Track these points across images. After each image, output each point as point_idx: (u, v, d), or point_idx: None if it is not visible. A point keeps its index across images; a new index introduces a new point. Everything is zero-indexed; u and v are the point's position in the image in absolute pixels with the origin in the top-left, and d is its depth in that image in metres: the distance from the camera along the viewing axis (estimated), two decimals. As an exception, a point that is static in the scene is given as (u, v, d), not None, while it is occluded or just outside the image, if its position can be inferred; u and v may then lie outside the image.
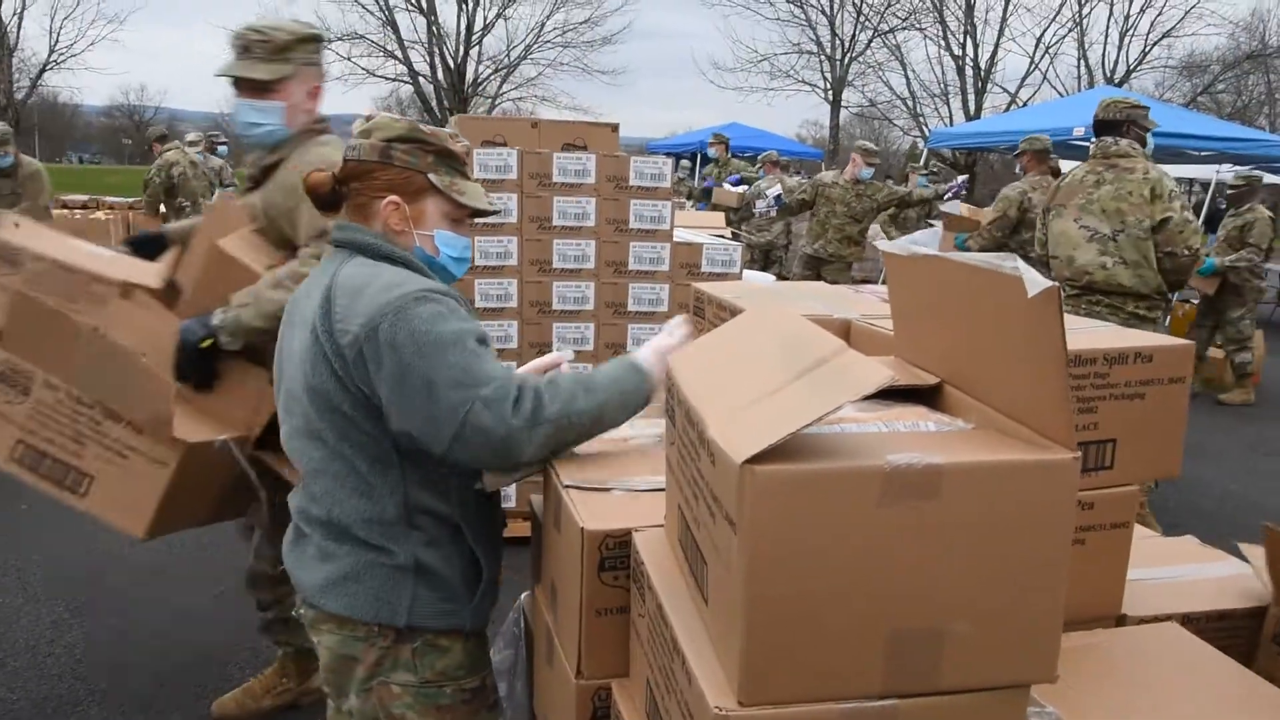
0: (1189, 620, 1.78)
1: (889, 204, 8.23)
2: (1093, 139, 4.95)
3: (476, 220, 1.95)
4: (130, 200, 10.86)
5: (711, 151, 12.09)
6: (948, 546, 1.02)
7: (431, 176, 1.78)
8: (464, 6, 29.29)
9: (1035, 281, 0.96)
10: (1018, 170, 7.23)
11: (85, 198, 11.13)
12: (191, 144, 10.17)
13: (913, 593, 1.03)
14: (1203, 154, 12.08)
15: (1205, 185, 18.15)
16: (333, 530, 1.76)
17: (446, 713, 1.80)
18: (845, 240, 7.94)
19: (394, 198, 1.77)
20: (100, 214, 9.19)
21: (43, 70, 35.42)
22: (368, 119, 1.81)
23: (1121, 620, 1.75)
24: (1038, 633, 1.07)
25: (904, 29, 29.79)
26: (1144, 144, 4.81)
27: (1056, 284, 0.96)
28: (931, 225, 9.45)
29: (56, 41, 35.37)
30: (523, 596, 2.26)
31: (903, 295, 1.40)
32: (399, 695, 1.77)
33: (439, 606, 1.76)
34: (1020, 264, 0.99)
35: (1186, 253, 4.60)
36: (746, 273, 4.92)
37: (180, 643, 3.61)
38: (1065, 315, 1.91)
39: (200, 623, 3.77)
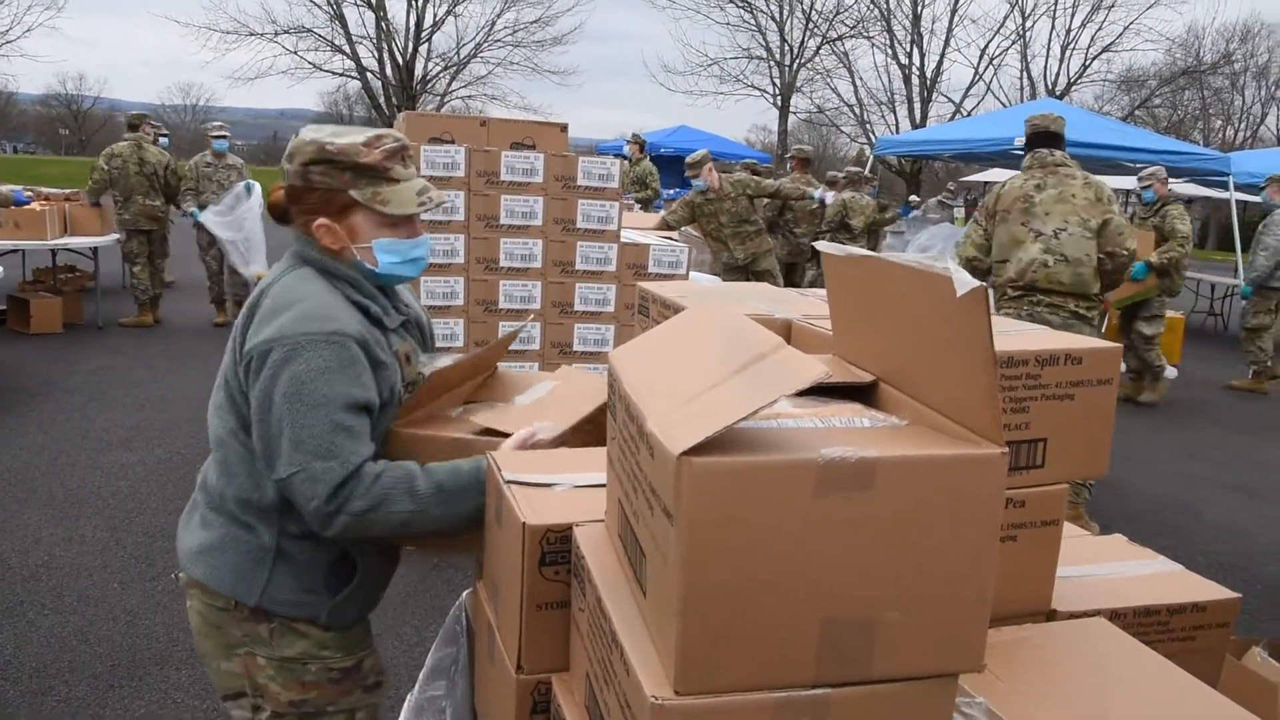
0: (1116, 616, 1.83)
1: (762, 194, 8.32)
2: (1027, 151, 5.18)
3: (424, 217, 1.97)
4: (66, 191, 10.58)
5: (626, 150, 12.36)
6: (880, 538, 1.04)
7: (353, 192, 1.79)
8: (413, 3, 29.09)
9: (964, 282, 0.99)
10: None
11: (20, 188, 10.84)
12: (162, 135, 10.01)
13: (846, 583, 1.05)
14: (1138, 166, 12.38)
15: (1140, 196, 18.52)
16: (215, 500, 1.86)
17: (311, 689, 1.88)
18: (747, 239, 8.12)
19: (322, 220, 1.81)
20: (36, 205, 8.94)
21: (-24, 57, 34.53)
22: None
23: (1051, 615, 1.79)
24: (966, 623, 1.10)
25: (852, 37, 30.21)
26: None
27: (984, 285, 0.98)
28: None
29: (-9, 28, 34.52)
30: (464, 594, 2.26)
31: (840, 295, 1.43)
32: (263, 667, 1.86)
33: (295, 595, 1.83)
34: (951, 264, 1.02)
35: (1125, 252, 4.91)
36: (692, 274, 4.95)
37: (116, 643, 3.55)
38: (1003, 318, 1.95)
39: (137, 622, 3.71)
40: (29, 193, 9.03)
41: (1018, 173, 5.16)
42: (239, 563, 1.82)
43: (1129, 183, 16.52)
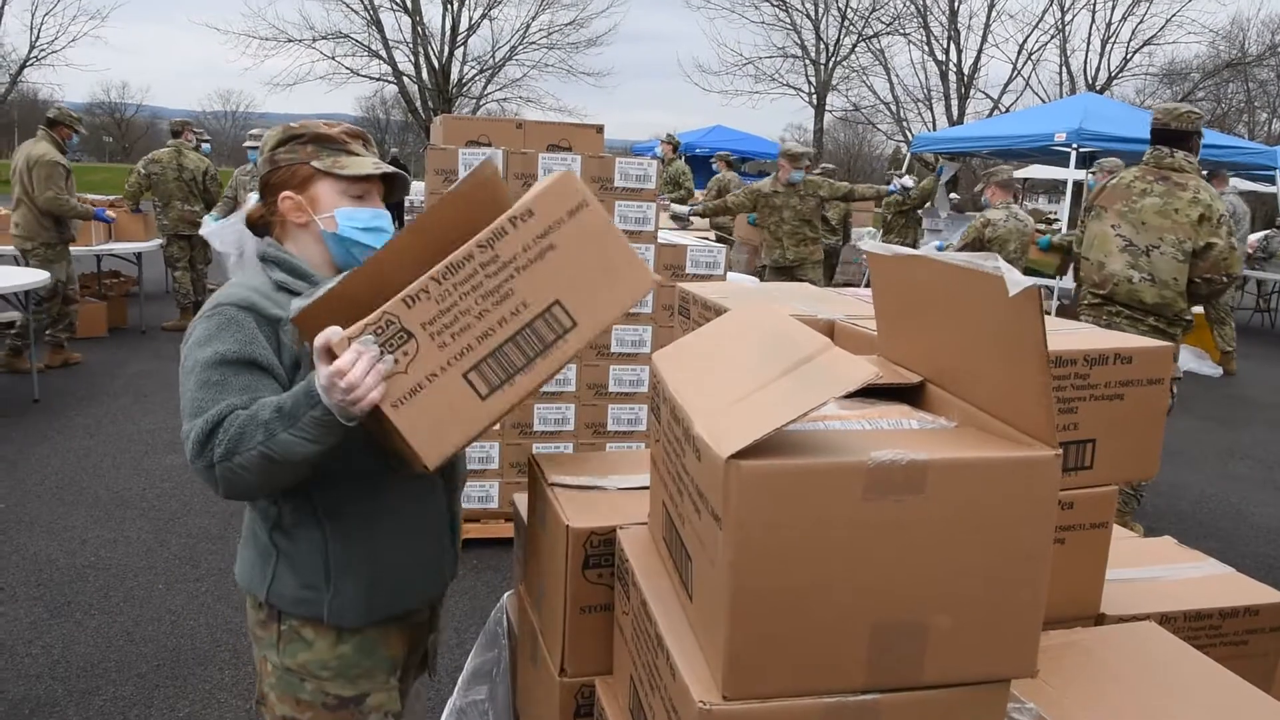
0: (1166, 619, 1.80)
1: (835, 198, 8.16)
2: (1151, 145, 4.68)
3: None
4: (111, 198, 10.74)
5: (658, 151, 12.34)
6: (931, 541, 1.03)
7: (314, 163, 1.85)
8: (449, 6, 29.25)
9: (1016, 281, 0.98)
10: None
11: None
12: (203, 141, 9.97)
13: (896, 587, 1.04)
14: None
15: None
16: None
17: (305, 709, 1.83)
18: (803, 242, 7.94)
19: (286, 193, 1.84)
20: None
21: (23, 66, 35.20)
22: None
23: (1100, 619, 1.76)
24: (1018, 627, 1.08)
25: (888, 34, 29.99)
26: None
27: (1036, 282, 0.97)
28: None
29: (37, 38, 35.21)
30: (505, 596, 2.26)
31: (886, 295, 1.41)
32: (270, 673, 1.86)
33: (297, 592, 1.80)
34: (1002, 263, 1.00)
35: (1224, 280, 4.49)
36: (730, 274, 4.93)
37: (161, 643, 3.59)
38: (1052, 317, 1.92)
39: (181, 623, 3.75)
40: (111, 211, 9.12)
41: (1136, 166, 4.69)
42: (253, 559, 1.86)
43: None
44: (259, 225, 1.93)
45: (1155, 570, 2.03)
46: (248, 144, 9.10)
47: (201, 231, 8.62)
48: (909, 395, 1.32)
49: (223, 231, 7.87)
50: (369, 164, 1.87)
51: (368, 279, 1.60)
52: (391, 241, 1.64)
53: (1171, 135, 4.57)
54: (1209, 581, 2.00)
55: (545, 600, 1.68)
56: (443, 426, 1.51)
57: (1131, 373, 1.65)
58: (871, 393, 1.29)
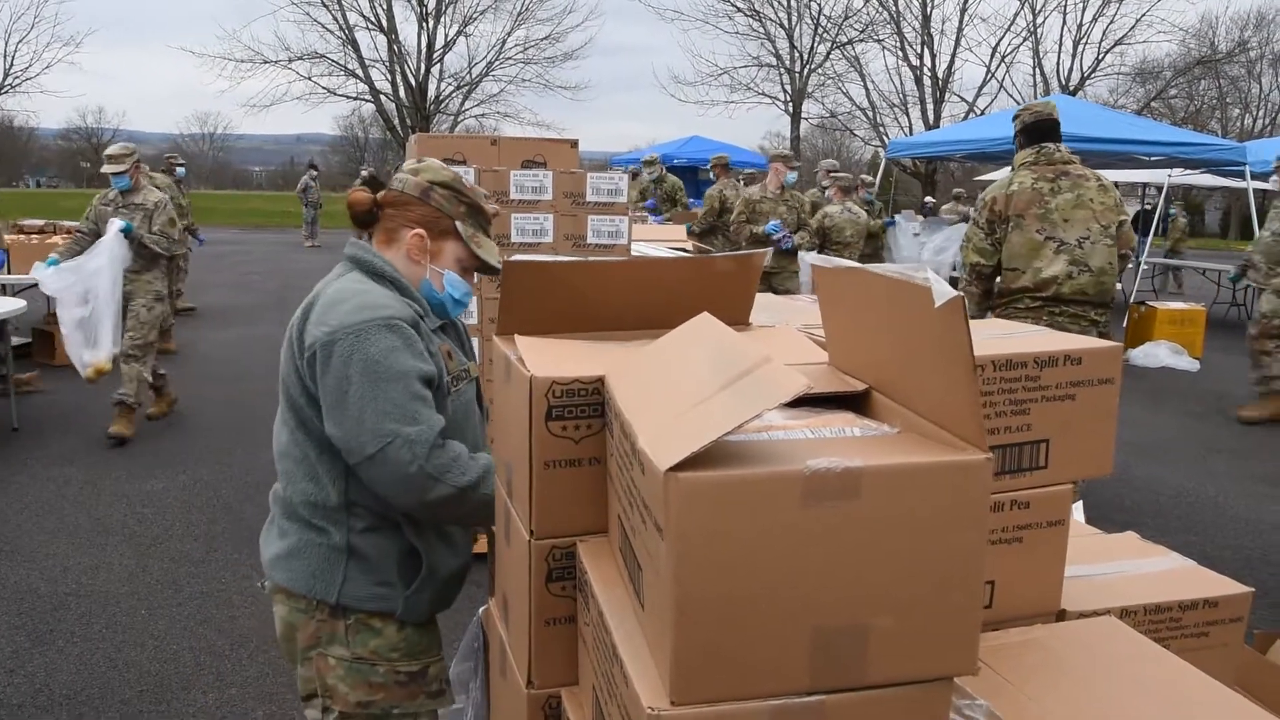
0: (1127, 614, 1.83)
1: (802, 221, 8.24)
2: (1028, 144, 4.77)
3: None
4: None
5: (648, 172, 12.47)
6: (869, 545, 1.06)
7: (459, 224, 2.03)
8: (425, 24, 29.35)
9: (942, 292, 1.01)
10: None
11: (42, 222, 10.91)
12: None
13: (837, 590, 1.06)
14: (1153, 159, 12.32)
15: (1158, 189, 18.52)
16: (287, 509, 1.98)
17: (379, 690, 1.96)
18: (783, 252, 7.98)
19: (421, 230, 2.01)
20: (58, 239, 9.04)
21: (-2, 94, 35.14)
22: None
23: (1061, 615, 1.79)
24: (958, 626, 1.11)
25: (862, 40, 30.16)
26: None
27: (961, 294, 1.00)
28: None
29: (11, 65, 35.26)
30: (480, 610, 2.29)
31: (831, 306, 1.45)
32: (334, 667, 1.94)
33: (371, 590, 1.93)
34: (930, 274, 1.04)
35: (1130, 253, 4.82)
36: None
37: (144, 669, 3.59)
38: (999, 320, 1.95)
39: (164, 648, 3.76)
40: None
41: (1019, 170, 4.76)
42: (316, 565, 1.92)
43: (1146, 176, 16.42)
44: (362, 215, 2.04)
45: (1117, 566, 2.07)
46: (106, 168, 6.40)
47: (38, 275, 6.26)
48: (857, 403, 1.36)
49: (64, 276, 6.07)
50: (494, 254, 2.08)
51: (578, 275, 1.73)
52: (631, 262, 1.86)
53: (1046, 129, 4.75)
54: (1170, 575, 2.03)
55: (512, 614, 1.70)
56: (567, 505, 1.52)
57: (1082, 373, 1.69)
58: (819, 401, 1.32)
